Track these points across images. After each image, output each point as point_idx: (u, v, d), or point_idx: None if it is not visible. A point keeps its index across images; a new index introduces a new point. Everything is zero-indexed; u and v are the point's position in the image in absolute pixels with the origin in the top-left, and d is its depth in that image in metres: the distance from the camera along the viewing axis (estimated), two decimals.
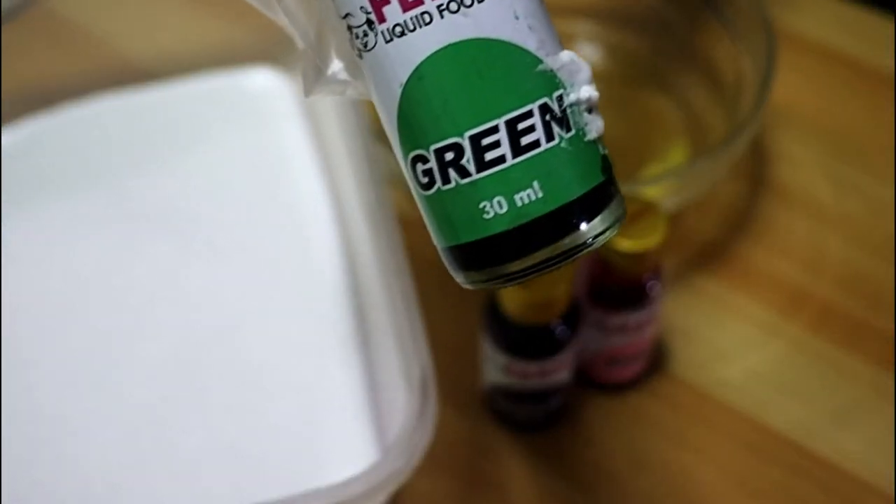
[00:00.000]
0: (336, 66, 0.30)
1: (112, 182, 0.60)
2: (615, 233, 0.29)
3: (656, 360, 0.56)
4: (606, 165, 0.29)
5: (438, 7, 0.27)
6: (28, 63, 0.62)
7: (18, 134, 0.62)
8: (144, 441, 0.50)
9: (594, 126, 0.29)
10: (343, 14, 0.28)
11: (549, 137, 0.28)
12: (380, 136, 0.54)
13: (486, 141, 0.28)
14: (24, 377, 0.52)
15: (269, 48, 0.65)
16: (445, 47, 0.27)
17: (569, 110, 0.28)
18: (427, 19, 0.27)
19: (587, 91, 0.28)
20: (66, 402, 0.51)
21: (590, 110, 0.29)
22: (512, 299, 0.45)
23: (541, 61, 0.28)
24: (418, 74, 0.28)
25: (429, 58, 0.27)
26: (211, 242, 0.57)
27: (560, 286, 0.45)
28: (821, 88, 0.68)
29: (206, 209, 0.59)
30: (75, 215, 0.59)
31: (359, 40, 0.28)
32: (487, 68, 0.27)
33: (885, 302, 0.58)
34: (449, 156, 0.28)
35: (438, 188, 0.28)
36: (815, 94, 0.68)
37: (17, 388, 0.51)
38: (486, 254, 0.29)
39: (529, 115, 0.28)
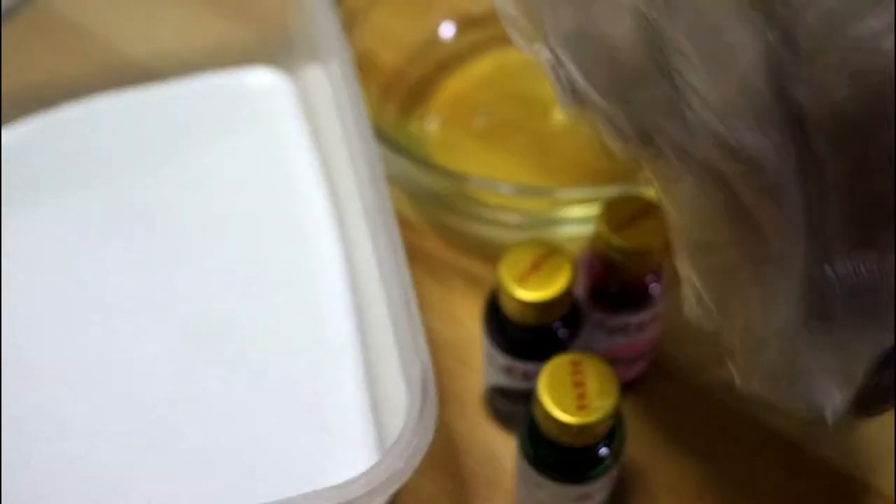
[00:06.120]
0: None
1: (110, 181, 0.60)
2: None
3: (658, 361, 0.55)
4: None
5: None
6: (26, 62, 0.62)
7: (17, 133, 0.62)
8: (142, 441, 0.50)
9: None
10: None
11: None
12: (380, 135, 0.55)
13: None
14: (23, 377, 0.52)
15: (269, 48, 0.65)
16: None
17: None
18: None
19: None
20: (65, 401, 0.51)
21: None
22: (513, 300, 0.45)
23: None
24: None
25: None
26: (210, 242, 0.57)
27: (560, 286, 0.44)
28: None
29: (205, 209, 0.59)
30: (74, 214, 0.58)
31: None
32: None
33: None
34: None
35: None
36: None
37: (17, 388, 0.51)
38: None
39: None
